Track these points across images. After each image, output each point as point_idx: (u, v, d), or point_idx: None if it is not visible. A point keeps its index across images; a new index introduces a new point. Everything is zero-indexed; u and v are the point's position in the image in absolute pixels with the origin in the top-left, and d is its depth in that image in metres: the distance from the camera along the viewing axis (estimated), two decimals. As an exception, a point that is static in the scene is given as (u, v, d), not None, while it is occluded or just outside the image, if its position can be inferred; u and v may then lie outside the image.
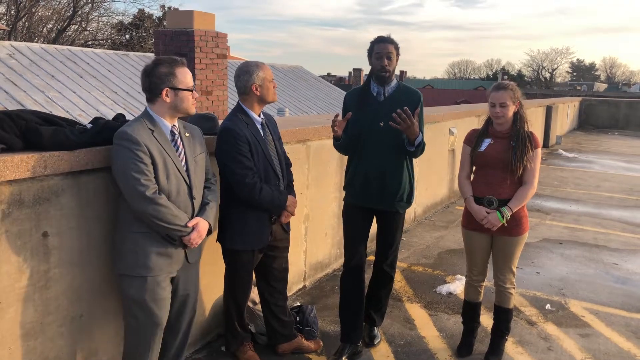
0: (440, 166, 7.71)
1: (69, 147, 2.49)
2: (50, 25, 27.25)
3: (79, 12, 27.27)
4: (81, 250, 2.63)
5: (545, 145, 15.28)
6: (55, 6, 26.92)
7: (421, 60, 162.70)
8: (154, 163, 2.49)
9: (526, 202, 3.38)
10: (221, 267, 3.41)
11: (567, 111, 19.53)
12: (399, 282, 4.90)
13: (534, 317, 4.31)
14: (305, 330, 3.72)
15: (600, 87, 61.49)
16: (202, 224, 2.68)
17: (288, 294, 3.78)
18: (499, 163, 3.33)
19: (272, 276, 3.44)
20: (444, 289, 4.78)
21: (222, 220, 3.25)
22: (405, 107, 3.20)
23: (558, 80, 77.79)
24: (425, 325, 4.11)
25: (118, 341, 2.87)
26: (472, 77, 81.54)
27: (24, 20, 25.31)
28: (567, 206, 8.17)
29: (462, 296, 4.38)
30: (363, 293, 3.65)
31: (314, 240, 4.79)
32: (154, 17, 31.11)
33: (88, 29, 28.76)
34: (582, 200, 8.59)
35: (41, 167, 2.37)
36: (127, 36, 30.33)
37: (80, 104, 10.62)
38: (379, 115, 3.37)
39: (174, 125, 2.66)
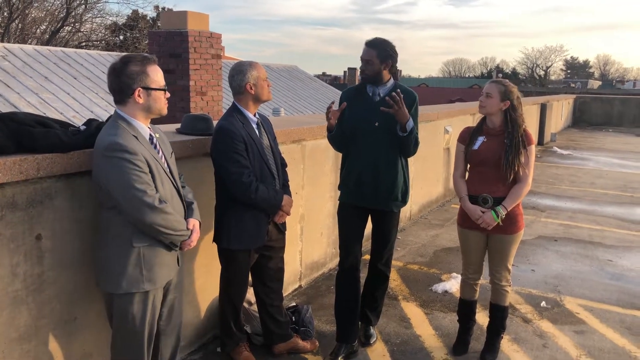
0: (436, 164, 7.72)
1: (62, 150, 2.46)
2: (44, 27, 27.12)
3: (73, 14, 27.13)
4: (75, 252, 2.61)
5: (540, 142, 15.32)
6: (49, 7, 26.80)
7: (416, 59, 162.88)
8: (150, 171, 2.39)
9: (521, 200, 3.38)
10: (217, 267, 3.41)
11: (561, 109, 19.59)
12: (394, 281, 4.90)
13: (529, 314, 4.32)
14: (301, 330, 3.72)
15: (594, 84, 61.75)
16: (197, 225, 2.68)
17: (284, 294, 3.78)
18: (492, 161, 3.34)
19: (267, 276, 3.44)
20: (439, 287, 4.78)
21: (218, 220, 3.24)
22: (398, 90, 3.26)
23: (552, 77, 78.08)
24: (421, 324, 4.12)
25: (113, 343, 2.86)
26: (466, 76, 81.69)
27: (17, 22, 25.18)
28: (562, 203, 8.19)
29: (457, 294, 4.38)
30: (359, 292, 3.65)
31: (309, 240, 4.78)
32: (148, 18, 31.02)
33: (82, 30, 28.62)
34: (577, 197, 8.62)
35: (34, 170, 2.36)
36: (121, 37, 30.20)
37: (75, 106, 10.57)
38: (374, 114, 3.37)
39: (149, 127, 2.51)
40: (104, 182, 2.35)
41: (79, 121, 9.34)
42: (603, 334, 4.03)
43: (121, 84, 2.39)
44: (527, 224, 6.72)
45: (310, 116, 6.92)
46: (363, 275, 3.71)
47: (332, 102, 3.43)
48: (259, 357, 3.47)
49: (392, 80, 3.48)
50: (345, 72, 50.39)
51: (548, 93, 31.91)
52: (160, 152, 2.54)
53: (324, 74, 64.30)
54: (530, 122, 13.99)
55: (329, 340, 3.74)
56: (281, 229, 3.41)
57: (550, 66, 78.86)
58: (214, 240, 3.29)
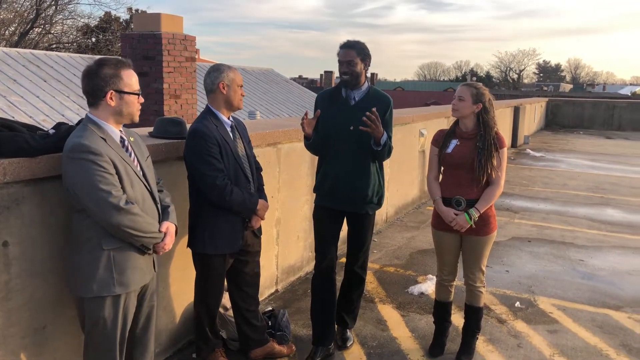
0: (411, 167, 7.78)
1: (29, 154, 2.40)
2: (12, 29, 26.53)
3: (43, 15, 26.61)
4: (43, 260, 2.55)
5: (514, 145, 15.56)
6: (18, 9, 26.24)
7: (392, 63, 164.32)
8: (118, 173, 2.36)
9: (494, 202, 3.42)
10: (192, 272, 3.36)
11: (534, 111, 19.94)
12: (371, 284, 4.91)
13: (504, 315, 4.37)
14: (277, 334, 3.69)
15: (566, 87, 63.10)
16: (172, 228, 2.63)
17: (260, 299, 3.75)
18: (465, 164, 3.37)
19: (243, 281, 3.40)
20: (415, 289, 4.81)
21: (192, 225, 3.20)
22: (374, 109, 3.23)
23: (525, 81, 79.55)
24: (398, 326, 4.13)
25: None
26: (441, 79, 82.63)
27: (-16, 23, 24.61)
28: (535, 205, 8.32)
29: (433, 296, 4.41)
30: (334, 295, 3.65)
31: (285, 243, 4.76)
32: (121, 20, 30.60)
33: (52, 32, 28.09)
34: (549, 199, 8.77)
35: (0, 175, 2.29)
36: (94, 39, 29.72)
37: (45, 109, 10.36)
38: (349, 118, 3.37)
39: (121, 130, 2.48)
40: (70, 185, 2.31)
41: (49, 125, 9.14)
42: (575, 332, 4.09)
43: (94, 86, 2.36)
44: (501, 225, 6.81)
45: (286, 119, 6.90)
46: (339, 278, 3.70)
47: (307, 112, 3.40)
48: (234, 363, 3.44)
49: (367, 84, 3.49)
50: (321, 75, 50.42)
51: (521, 96, 32.47)
52: (133, 155, 2.50)
53: (300, 77, 64.33)
54: (503, 124, 14.20)
55: (305, 344, 3.73)
56: (257, 233, 3.38)
57: (523, 70, 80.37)
58: (189, 245, 3.25)
